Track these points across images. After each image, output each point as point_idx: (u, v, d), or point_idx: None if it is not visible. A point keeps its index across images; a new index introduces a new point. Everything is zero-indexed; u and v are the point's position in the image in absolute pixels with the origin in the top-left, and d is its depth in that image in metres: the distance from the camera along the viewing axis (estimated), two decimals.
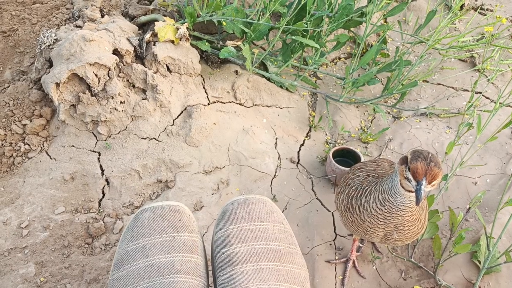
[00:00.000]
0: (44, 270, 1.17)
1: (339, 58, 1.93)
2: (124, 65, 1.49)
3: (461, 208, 1.38)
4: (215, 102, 1.61)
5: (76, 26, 1.57)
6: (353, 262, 1.24)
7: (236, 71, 1.70)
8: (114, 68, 1.45)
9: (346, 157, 1.47)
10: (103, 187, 1.38)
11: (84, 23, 1.57)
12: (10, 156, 1.41)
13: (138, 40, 1.52)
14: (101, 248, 1.23)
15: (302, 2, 1.47)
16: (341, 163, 1.41)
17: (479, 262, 1.22)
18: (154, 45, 1.51)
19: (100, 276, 1.17)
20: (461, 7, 2.07)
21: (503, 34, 1.92)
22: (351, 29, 1.81)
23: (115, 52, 1.47)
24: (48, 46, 1.49)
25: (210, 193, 1.39)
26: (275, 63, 1.75)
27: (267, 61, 1.74)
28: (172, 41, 1.54)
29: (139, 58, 1.54)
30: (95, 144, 1.45)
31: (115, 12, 1.71)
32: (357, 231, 1.05)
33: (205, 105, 1.56)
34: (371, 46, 1.91)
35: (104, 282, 1.15)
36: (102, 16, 1.62)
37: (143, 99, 1.49)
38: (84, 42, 1.40)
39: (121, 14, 1.70)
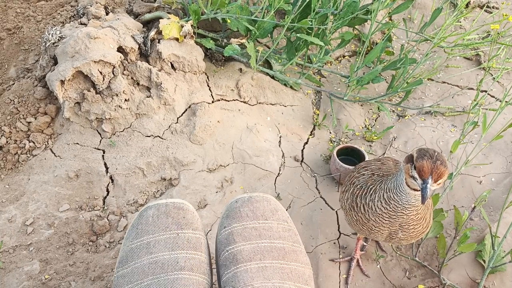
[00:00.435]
0: (49, 268, 1.17)
1: (344, 56, 1.92)
2: (128, 63, 1.49)
3: (466, 207, 1.37)
4: (219, 100, 1.61)
5: (81, 24, 1.57)
6: (357, 261, 1.24)
7: (241, 69, 1.70)
8: (119, 65, 1.45)
9: (351, 155, 1.47)
10: (108, 185, 1.38)
11: (88, 20, 1.57)
12: (15, 154, 1.41)
13: (143, 37, 1.52)
14: (105, 246, 1.24)
15: (307, 0, 1.47)
16: (345, 161, 1.41)
17: (484, 261, 1.22)
18: (158, 42, 1.51)
19: (105, 274, 1.17)
20: (467, 5, 2.05)
21: (509, 32, 1.91)
22: (356, 27, 1.80)
23: (120, 49, 1.47)
24: (53, 43, 1.49)
25: (214, 191, 1.39)
26: (280, 61, 1.75)
27: (271, 59, 1.74)
28: (177, 39, 1.53)
29: (144, 55, 1.54)
30: (100, 141, 1.45)
31: (119, 9, 1.71)
32: (362, 230, 1.04)
33: (209, 103, 1.56)
34: (376, 44, 1.90)
35: (109, 279, 1.16)
36: (107, 14, 1.62)
37: (147, 96, 1.49)
38: (89, 39, 1.40)
39: (125, 12, 1.70)
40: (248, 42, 1.53)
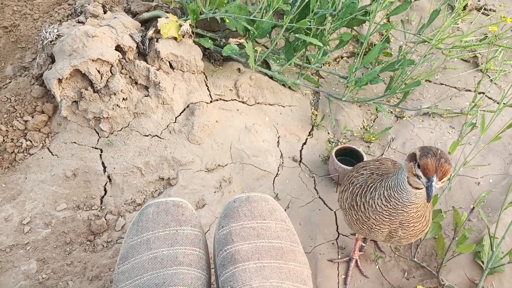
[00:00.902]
0: (46, 267, 1.16)
1: (342, 57, 1.93)
2: (126, 62, 1.48)
3: (464, 208, 1.38)
4: (217, 100, 1.60)
5: (79, 22, 1.56)
6: (356, 262, 1.24)
7: (239, 69, 1.70)
8: (117, 64, 1.44)
9: (349, 156, 1.47)
10: (105, 184, 1.37)
11: (86, 19, 1.56)
12: (12, 152, 1.40)
13: (141, 36, 1.51)
14: (103, 245, 1.23)
15: (306, 0, 1.47)
16: (343, 162, 1.41)
17: (482, 262, 1.22)
18: (157, 41, 1.51)
19: (102, 273, 1.16)
20: (464, 7, 2.06)
21: (507, 34, 1.92)
22: (354, 28, 1.80)
23: (118, 48, 1.46)
24: (50, 41, 1.48)
25: (212, 191, 1.39)
26: (278, 61, 1.74)
27: (269, 59, 1.74)
28: (175, 38, 1.53)
29: (142, 54, 1.53)
30: (97, 140, 1.44)
31: (117, 8, 1.70)
32: (362, 229, 1.04)
33: (207, 103, 1.55)
34: (374, 45, 1.90)
35: (106, 279, 1.15)
36: (105, 12, 1.62)
37: (145, 96, 1.48)
38: (87, 38, 1.39)
39: (123, 11, 1.69)
40: (247, 42, 1.52)
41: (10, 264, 1.16)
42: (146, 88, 1.50)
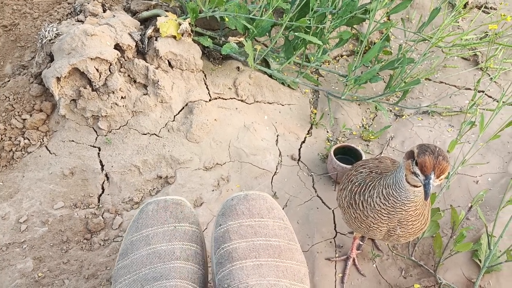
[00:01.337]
0: (42, 265, 1.17)
1: (342, 56, 1.92)
2: (125, 60, 1.48)
3: (462, 206, 1.37)
4: (216, 99, 1.60)
5: (78, 21, 1.56)
6: (353, 260, 1.24)
7: (238, 68, 1.69)
8: (116, 63, 1.44)
9: (348, 154, 1.47)
10: (103, 183, 1.37)
11: (85, 17, 1.56)
12: (10, 151, 1.40)
13: (140, 35, 1.51)
14: (100, 244, 1.23)
15: None
16: (342, 160, 1.40)
17: (480, 261, 1.22)
18: (156, 40, 1.50)
19: (99, 272, 1.16)
20: (465, 5, 2.05)
21: (507, 32, 1.91)
22: (354, 26, 1.80)
23: (117, 47, 1.46)
24: (50, 40, 1.48)
25: (211, 189, 1.38)
26: (277, 59, 1.74)
27: (269, 58, 1.73)
28: (174, 37, 1.53)
29: (141, 53, 1.53)
30: (95, 139, 1.44)
31: (117, 7, 1.70)
32: (360, 227, 1.04)
33: (206, 101, 1.55)
34: (374, 44, 1.89)
35: (103, 277, 1.15)
36: (104, 11, 1.62)
37: (144, 94, 1.48)
38: (86, 36, 1.39)
39: (123, 9, 1.69)
40: (246, 41, 1.52)
41: (6, 262, 1.16)
42: (145, 86, 1.50)
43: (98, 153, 1.42)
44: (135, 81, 1.50)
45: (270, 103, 1.66)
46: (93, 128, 1.46)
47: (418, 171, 0.83)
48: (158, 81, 1.47)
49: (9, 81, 1.54)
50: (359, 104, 1.72)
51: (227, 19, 1.55)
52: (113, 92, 1.43)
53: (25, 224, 1.25)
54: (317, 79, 1.79)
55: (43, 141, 1.43)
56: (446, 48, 1.81)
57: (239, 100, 1.63)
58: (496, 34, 1.73)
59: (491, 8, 2.10)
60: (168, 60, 1.53)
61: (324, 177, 1.46)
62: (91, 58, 1.38)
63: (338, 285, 1.20)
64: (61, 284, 1.13)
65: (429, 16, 1.64)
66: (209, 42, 1.62)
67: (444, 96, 1.74)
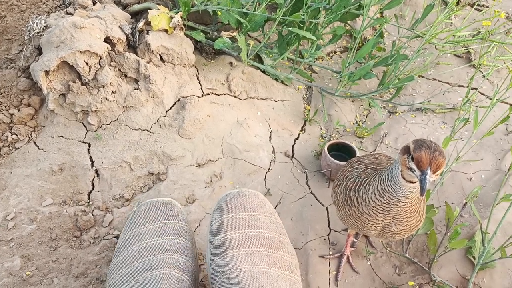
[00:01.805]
0: (31, 264, 1.13)
1: (335, 52, 1.91)
2: (116, 54, 1.45)
3: (456, 203, 1.37)
4: (209, 94, 1.58)
5: (67, 13, 1.53)
6: (347, 257, 1.23)
7: (231, 63, 1.67)
8: (106, 56, 1.41)
9: (341, 151, 1.45)
10: (93, 179, 1.34)
11: (75, 10, 1.52)
12: None
13: (131, 28, 1.48)
14: (89, 242, 1.20)
15: None
16: (336, 157, 1.39)
17: (474, 258, 1.22)
18: (147, 34, 1.48)
19: (88, 270, 1.13)
20: (458, 2, 2.05)
21: (500, 29, 1.91)
22: (348, 22, 1.78)
23: (107, 40, 1.43)
24: (38, 33, 1.44)
25: (203, 186, 1.36)
26: (271, 55, 1.72)
27: (262, 53, 1.71)
28: (166, 30, 1.50)
29: (132, 47, 1.50)
30: (85, 134, 1.41)
31: None
32: (355, 224, 1.03)
33: (199, 97, 1.53)
34: (367, 40, 1.88)
35: (93, 276, 1.12)
36: (94, 4, 1.58)
37: (135, 89, 1.45)
38: (75, 29, 1.36)
39: (113, 2, 1.65)
40: (239, 36, 1.50)
41: None
42: (136, 81, 1.47)
43: (88, 149, 1.39)
44: (126, 76, 1.46)
45: (263, 99, 1.64)
46: (82, 123, 1.42)
47: (414, 166, 0.82)
48: (149, 76, 1.44)
49: None
50: (352, 101, 1.71)
51: (220, 13, 1.52)
52: (103, 87, 1.40)
53: (12, 222, 1.21)
54: (311, 75, 1.78)
55: (31, 136, 1.40)
56: (439, 45, 1.81)
57: (232, 95, 1.61)
58: (488, 31, 1.73)
59: (483, 5, 2.10)
60: (159, 54, 1.50)
61: (318, 174, 1.45)
62: (81, 51, 1.35)
63: (332, 283, 1.19)
64: (50, 283, 1.10)
65: (422, 13, 1.64)
66: (201, 37, 1.60)
67: (437, 93, 1.74)
